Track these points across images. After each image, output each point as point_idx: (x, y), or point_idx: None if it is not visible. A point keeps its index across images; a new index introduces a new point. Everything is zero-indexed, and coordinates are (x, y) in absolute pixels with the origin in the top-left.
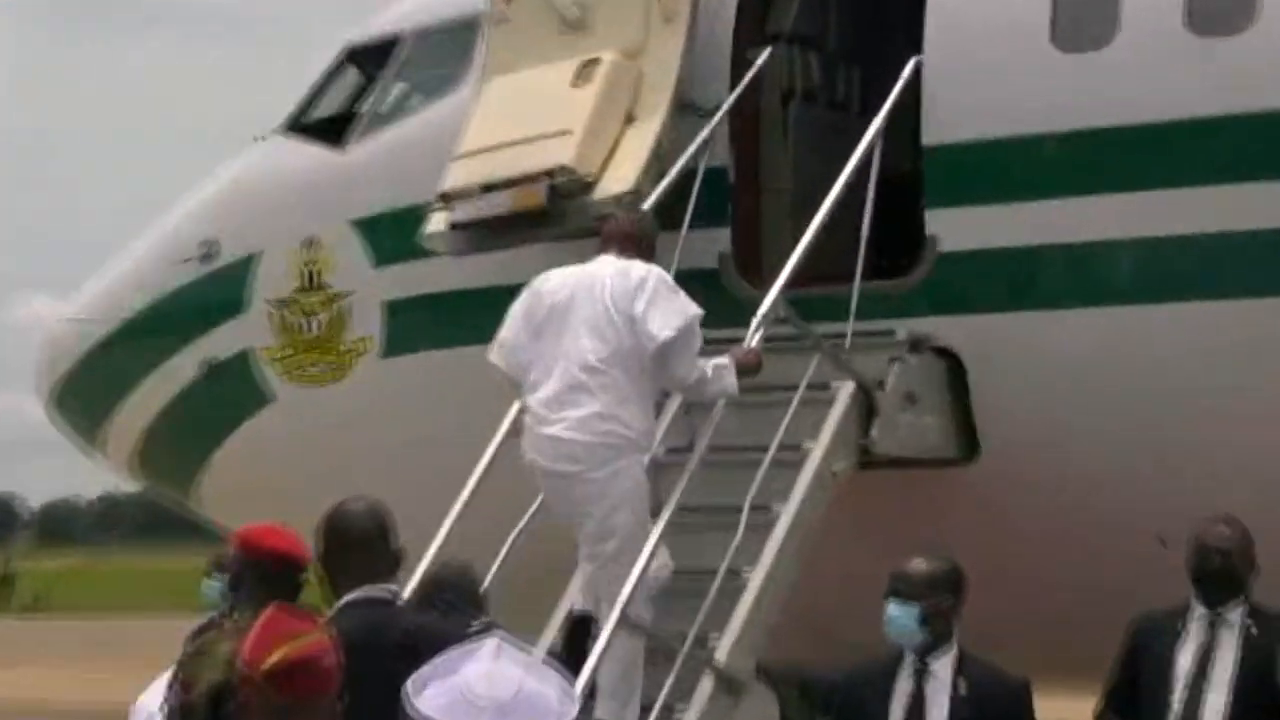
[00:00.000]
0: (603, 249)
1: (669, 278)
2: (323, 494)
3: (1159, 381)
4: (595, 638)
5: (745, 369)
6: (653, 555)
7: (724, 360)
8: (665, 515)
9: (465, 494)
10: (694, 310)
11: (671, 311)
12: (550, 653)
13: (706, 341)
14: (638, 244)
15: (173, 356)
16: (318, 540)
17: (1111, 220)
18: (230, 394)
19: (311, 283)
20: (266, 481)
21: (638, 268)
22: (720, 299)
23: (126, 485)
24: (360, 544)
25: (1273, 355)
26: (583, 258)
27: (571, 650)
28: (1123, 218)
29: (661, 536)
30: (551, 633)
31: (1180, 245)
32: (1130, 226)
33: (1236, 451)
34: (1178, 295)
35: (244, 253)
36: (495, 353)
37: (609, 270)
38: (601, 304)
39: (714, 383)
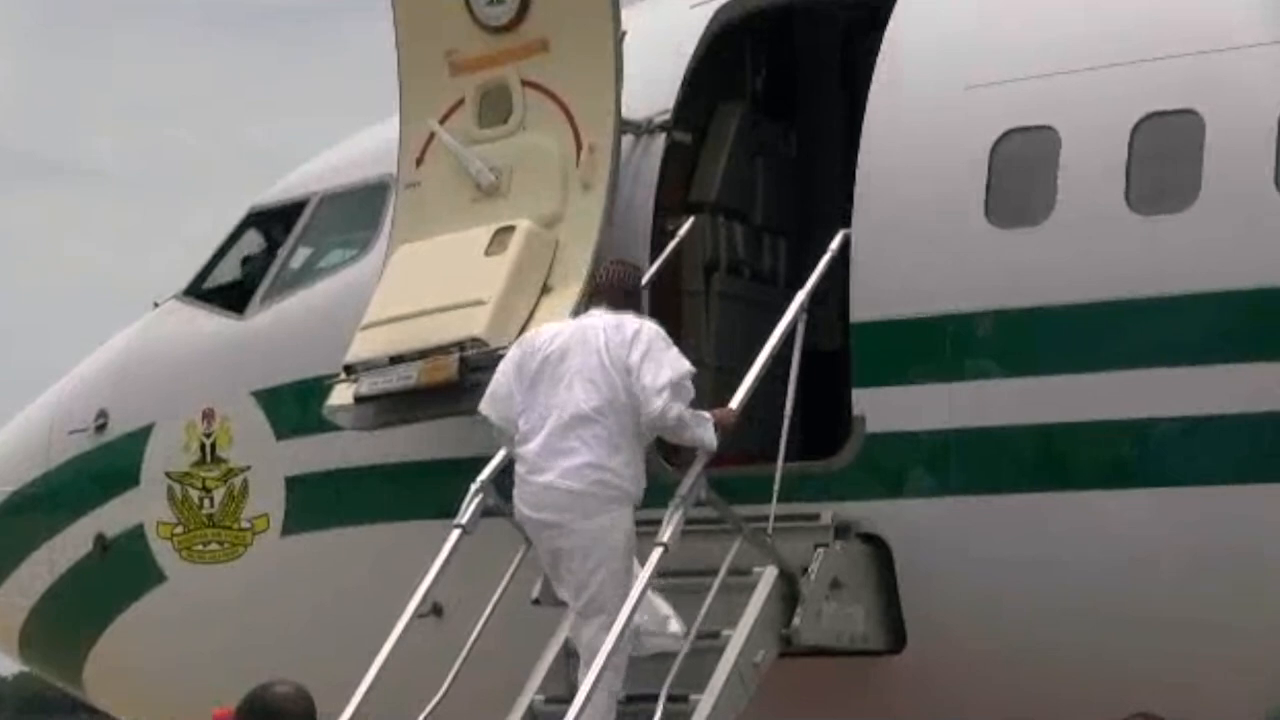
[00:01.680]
0: (594, 303)
1: (662, 331)
2: (215, 678)
3: (1092, 569)
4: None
5: (724, 427)
6: (632, 616)
7: (705, 414)
8: (578, 704)
9: (370, 675)
10: (686, 366)
11: (665, 364)
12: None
13: None
14: (628, 296)
15: (62, 531)
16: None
17: (1048, 403)
18: (121, 571)
19: (209, 456)
20: (157, 665)
21: (631, 321)
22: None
23: (8, 665)
24: None
25: (1210, 543)
26: None
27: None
28: (1059, 400)
29: (668, 600)
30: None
31: (1119, 430)
32: (1067, 410)
33: (1166, 640)
34: (1114, 482)
35: (139, 423)
36: (486, 404)
37: (602, 323)
38: (596, 355)
39: (693, 426)
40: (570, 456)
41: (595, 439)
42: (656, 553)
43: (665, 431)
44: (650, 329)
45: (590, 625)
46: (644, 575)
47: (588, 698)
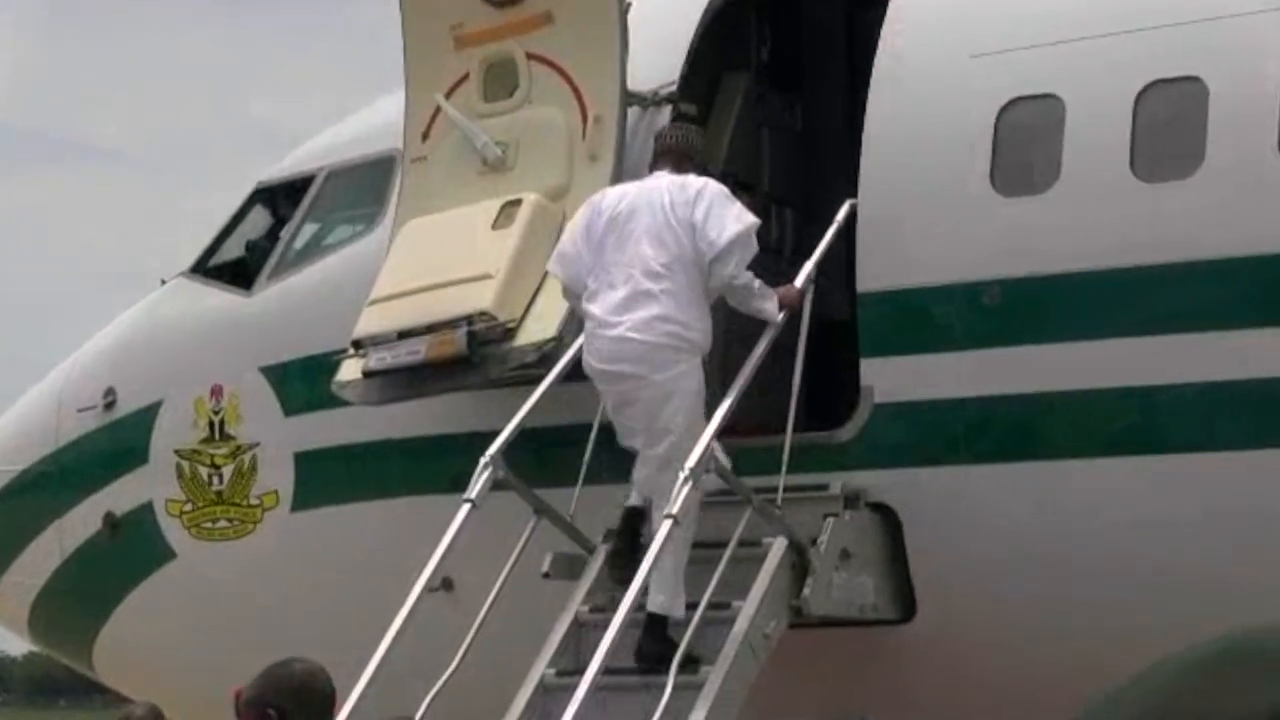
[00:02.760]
0: (656, 165)
1: (725, 189)
2: (226, 657)
3: (1102, 536)
4: (647, 530)
5: (787, 304)
6: (705, 457)
7: (770, 290)
8: (589, 677)
9: (381, 650)
10: (750, 219)
11: (729, 217)
12: (611, 544)
13: None
14: (690, 158)
15: (71, 510)
16: (273, 696)
17: (1055, 371)
18: (131, 550)
19: (217, 433)
20: (167, 644)
21: (694, 180)
22: None
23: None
24: (323, 707)
25: (1218, 513)
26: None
27: (629, 539)
28: (1066, 368)
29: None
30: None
31: (1126, 397)
32: (1075, 378)
33: (1172, 612)
34: (1121, 449)
35: (147, 401)
36: (554, 263)
37: (666, 183)
38: (661, 213)
39: (759, 298)
40: (641, 310)
41: (665, 293)
42: (666, 524)
43: (731, 294)
44: (714, 186)
45: (668, 472)
46: (654, 547)
47: (660, 550)
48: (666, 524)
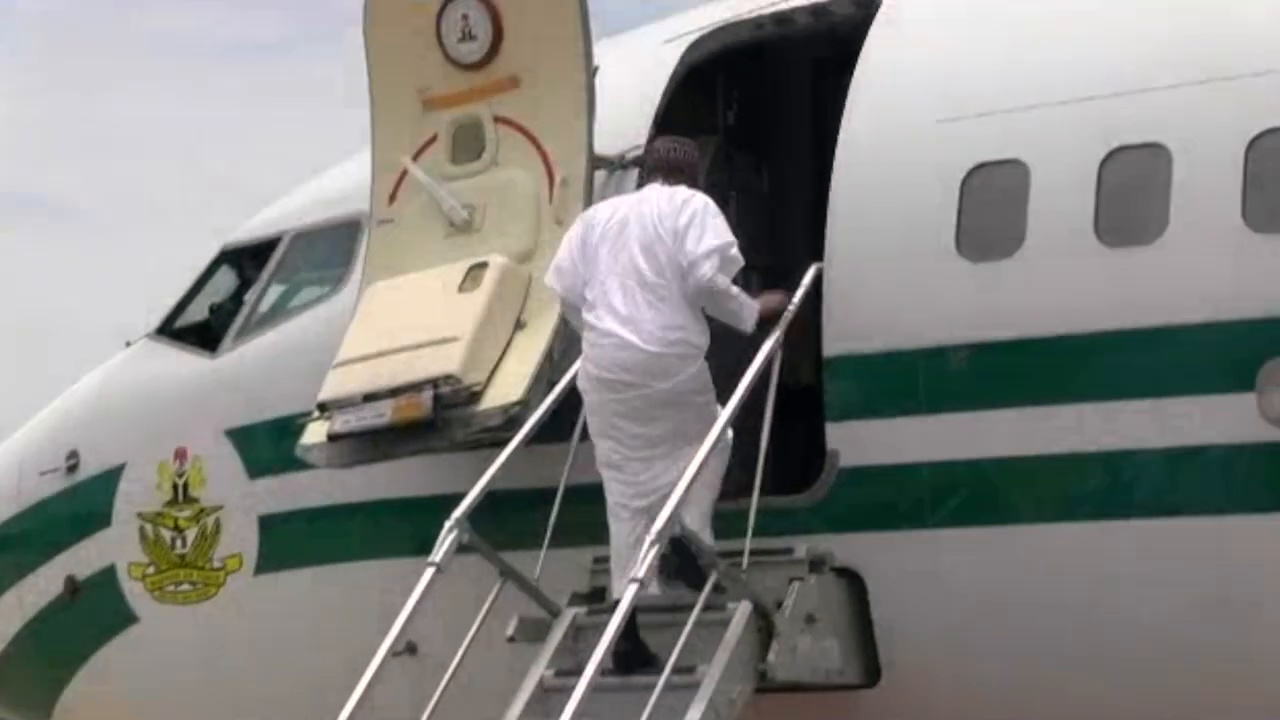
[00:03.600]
0: (649, 179)
1: (712, 203)
2: None
3: (1069, 603)
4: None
5: (769, 315)
6: (671, 521)
7: (752, 301)
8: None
9: (344, 715)
10: (729, 236)
11: (709, 230)
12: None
13: (600, 559)
14: (682, 172)
15: (32, 573)
16: None
17: (1020, 436)
18: (93, 613)
19: (181, 495)
20: (129, 708)
21: (683, 191)
22: None
23: None
24: None
25: (1185, 577)
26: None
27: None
28: (1032, 433)
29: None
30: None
31: (1092, 462)
32: (1040, 443)
33: (1138, 675)
34: (1087, 514)
35: (111, 463)
36: (551, 276)
37: (656, 195)
38: (651, 225)
39: (735, 303)
40: (643, 320)
41: (661, 300)
42: (631, 589)
43: (708, 298)
44: (700, 199)
45: (683, 459)
46: (620, 611)
47: (691, 482)
48: (631, 588)
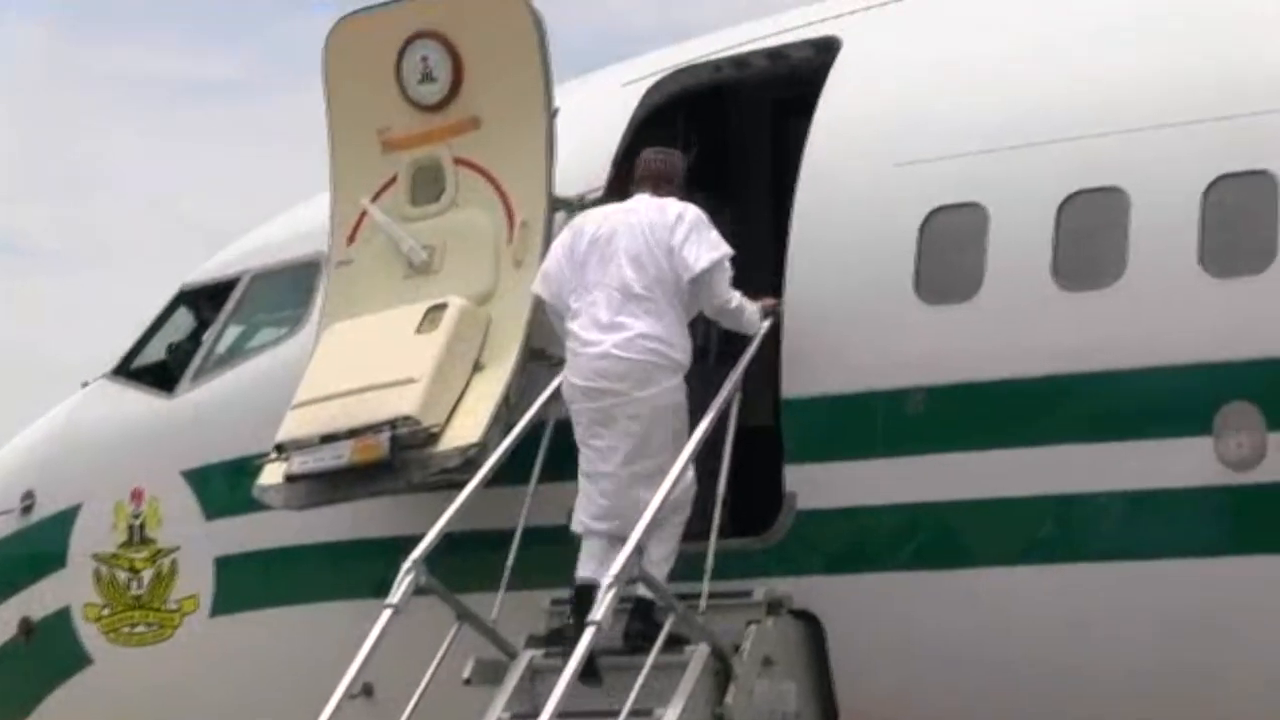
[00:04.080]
0: (637, 189)
1: (704, 215)
2: None
3: (1026, 645)
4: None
5: (769, 314)
6: (629, 564)
7: (753, 305)
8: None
9: None
10: (726, 248)
11: (705, 244)
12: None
13: (557, 601)
14: (671, 183)
15: None
16: None
17: (978, 479)
18: (47, 655)
19: (137, 536)
20: None
21: (673, 204)
22: (570, 557)
23: None
24: None
25: (1141, 620)
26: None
27: (580, 616)
28: (990, 475)
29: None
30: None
31: (1049, 505)
32: (998, 486)
33: (1097, 713)
34: (1046, 557)
35: (66, 504)
36: (539, 283)
37: (645, 206)
38: (641, 236)
39: (746, 312)
40: (624, 329)
41: (646, 313)
42: (589, 632)
43: (724, 317)
44: (692, 211)
45: (652, 485)
46: (577, 654)
47: (635, 547)
48: (589, 630)
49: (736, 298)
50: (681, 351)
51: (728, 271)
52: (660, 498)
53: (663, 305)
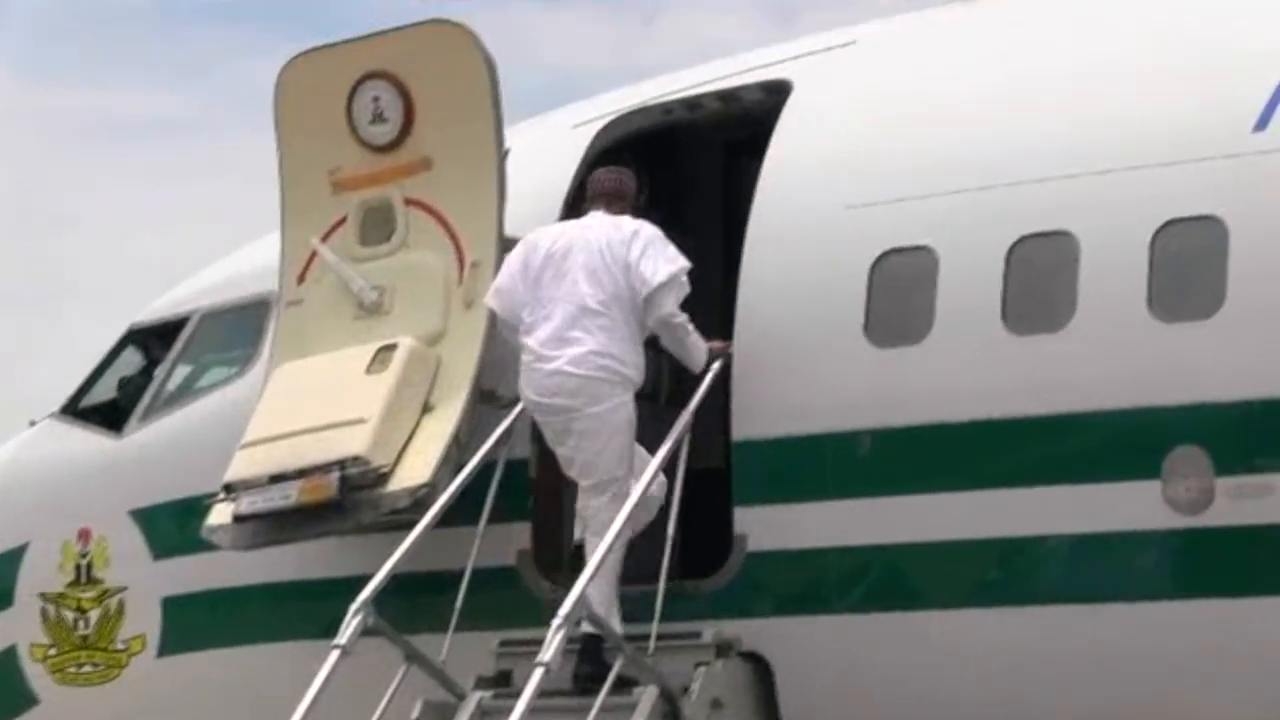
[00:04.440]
0: (590, 206)
1: (659, 231)
2: None
3: (975, 687)
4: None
5: (716, 356)
6: (641, 495)
7: (703, 342)
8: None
9: None
10: (683, 262)
11: (663, 258)
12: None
13: (506, 643)
14: (624, 199)
15: None
16: None
17: (927, 521)
18: None
19: (84, 576)
20: None
21: (629, 221)
22: (519, 598)
23: None
24: None
25: (1090, 664)
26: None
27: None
28: (939, 518)
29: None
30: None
31: (997, 548)
32: (947, 528)
33: None
34: (995, 600)
35: (13, 544)
36: (492, 297)
37: (600, 223)
38: (598, 252)
39: (691, 337)
40: (577, 345)
41: (600, 329)
42: (538, 673)
43: (666, 332)
44: (648, 229)
45: (601, 498)
46: (525, 695)
47: (600, 561)
48: (538, 672)
49: (684, 316)
50: (634, 368)
51: (684, 287)
52: (606, 544)
53: (618, 321)
